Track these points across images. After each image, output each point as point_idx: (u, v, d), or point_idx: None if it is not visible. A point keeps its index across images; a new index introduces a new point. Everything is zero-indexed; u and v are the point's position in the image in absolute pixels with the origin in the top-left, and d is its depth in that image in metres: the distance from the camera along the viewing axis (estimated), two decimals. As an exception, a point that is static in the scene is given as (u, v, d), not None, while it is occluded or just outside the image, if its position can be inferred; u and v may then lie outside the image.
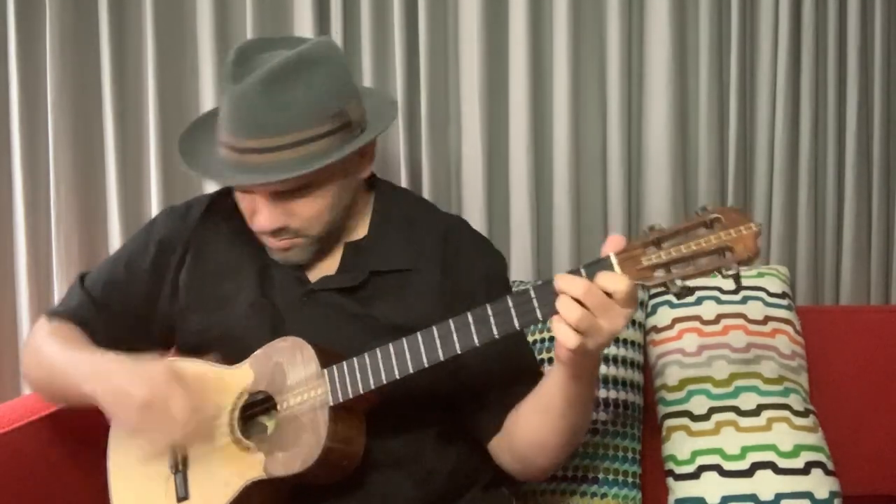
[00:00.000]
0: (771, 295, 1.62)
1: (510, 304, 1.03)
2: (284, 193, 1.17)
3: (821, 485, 1.44)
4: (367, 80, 1.74)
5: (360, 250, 1.27)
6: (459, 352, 1.06)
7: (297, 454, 1.11)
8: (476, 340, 1.05)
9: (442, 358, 1.07)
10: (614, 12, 1.73)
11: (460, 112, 1.79)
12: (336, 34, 1.74)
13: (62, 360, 1.23)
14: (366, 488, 1.19)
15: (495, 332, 1.04)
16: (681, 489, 1.48)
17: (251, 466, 1.14)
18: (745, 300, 1.60)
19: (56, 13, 1.72)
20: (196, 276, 1.29)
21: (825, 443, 1.50)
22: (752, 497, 1.43)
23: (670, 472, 1.50)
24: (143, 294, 1.31)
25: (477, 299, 1.08)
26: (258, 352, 1.18)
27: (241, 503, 1.15)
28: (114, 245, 1.78)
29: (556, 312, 0.97)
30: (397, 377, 1.09)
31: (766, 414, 1.49)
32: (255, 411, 1.21)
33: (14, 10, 1.73)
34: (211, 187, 1.75)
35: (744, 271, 1.65)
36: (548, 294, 0.99)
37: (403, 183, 1.76)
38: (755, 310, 1.59)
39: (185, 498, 1.18)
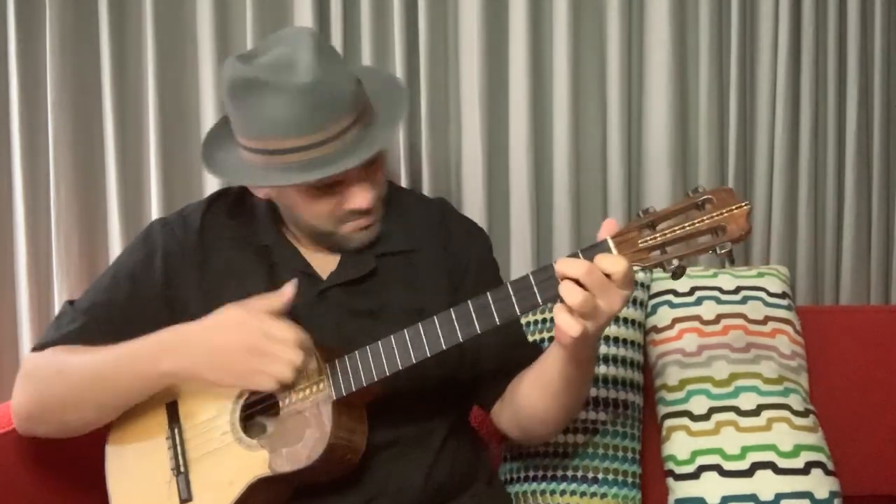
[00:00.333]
0: (771, 295, 1.62)
1: (510, 290, 1.04)
2: (370, 166, 1.19)
3: (821, 485, 1.44)
4: (368, 81, 1.74)
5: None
6: (462, 340, 1.07)
7: (301, 449, 1.11)
8: (478, 328, 1.06)
9: (444, 347, 1.08)
10: (614, 12, 1.74)
11: (460, 112, 1.79)
12: (336, 34, 1.74)
13: (109, 359, 1.16)
14: (370, 481, 1.20)
15: (496, 318, 1.05)
16: (681, 489, 1.48)
17: (255, 464, 1.14)
18: (745, 300, 1.60)
19: (56, 13, 1.72)
20: (204, 286, 1.27)
21: (825, 443, 1.50)
22: (752, 497, 1.43)
23: (670, 472, 1.50)
24: (151, 310, 1.25)
25: (474, 276, 1.09)
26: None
27: (247, 501, 1.15)
28: (114, 245, 1.78)
29: (556, 296, 0.99)
30: (400, 368, 1.10)
31: (766, 414, 1.49)
32: (255, 411, 1.21)
33: (14, 10, 1.73)
34: (211, 188, 1.75)
35: (744, 271, 1.67)
36: (546, 278, 1.02)
37: (403, 181, 1.76)
38: (755, 310, 1.59)
39: (189, 499, 1.18)
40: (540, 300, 1.03)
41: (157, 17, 1.74)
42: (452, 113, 1.80)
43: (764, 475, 1.44)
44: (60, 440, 1.30)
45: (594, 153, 1.80)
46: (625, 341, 1.57)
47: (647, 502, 1.56)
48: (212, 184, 1.76)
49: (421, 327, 1.09)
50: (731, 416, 1.50)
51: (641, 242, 0.98)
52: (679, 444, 1.50)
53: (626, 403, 1.55)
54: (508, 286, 1.05)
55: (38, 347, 1.25)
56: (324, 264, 1.28)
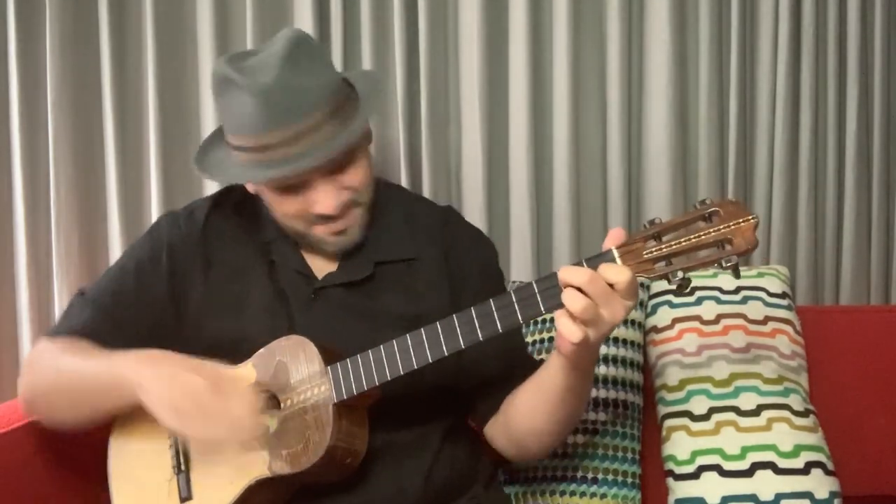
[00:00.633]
0: (771, 295, 1.62)
1: (513, 298, 1.04)
2: (335, 168, 1.18)
3: (821, 485, 1.44)
4: (367, 80, 1.74)
5: (363, 242, 1.28)
6: (463, 347, 1.07)
7: (301, 452, 1.11)
8: (480, 335, 1.06)
9: (446, 353, 1.08)
10: (614, 12, 1.73)
11: (460, 112, 1.79)
12: (336, 34, 1.74)
13: (92, 365, 1.18)
14: (369, 484, 1.20)
15: (499, 326, 1.05)
16: (681, 489, 1.48)
17: (255, 465, 1.14)
18: (745, 300, 1.60)
19: (56, 13, 1.72)
20: (208, 281, 1.28)
21: (825, 443, 1.50)
22: (752, 497, 1.43)
23: (670, 472, 1.50)
24: (156, 302, 1.27)
25: (477, 287, 1.09)
26: (261, 350, 1.18)
27: (246, 502, 1.15)
28: (114, 245, 1.78)
29: (559, 305, 0.99)
30: (402, 373, 1.10)
31: (766, 414, 1.49)
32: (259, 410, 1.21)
33: (14, 10, 1.73)
34: (211, 188, 1.75)
35: (744, 271, 1.67)
36: (550, 287, 1.01)
37: (403, 182, 1.76)
38: (755, 310, 1.59)
39: (189, 498, 1.18)
40: (543, 308, 1.02)
41: (157, 16, 1.74)
42: (452, 113, 1.79)
43: (764, 475, 1.44)
44: (62, 439, 1.31)
45: (594, 153, 1.80)
46: (625, 341, 1.57)
47: (647, 502, 1.56)
48: (212, 184, 1.76)
49: (423, 332, 1.09)
50: (731, 416, 1.50)
51: (646, 253, 0.97)
52: (679, 444, 1.50)
53: (626, 404, 1.55)
54: (512, 294, 1.04)
55: (50, 335, 1.28)
56: (323, 265, 1.28)
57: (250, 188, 1.27)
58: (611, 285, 0.97)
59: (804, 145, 1.79)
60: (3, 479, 1.27)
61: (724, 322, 1.58)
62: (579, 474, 1.51)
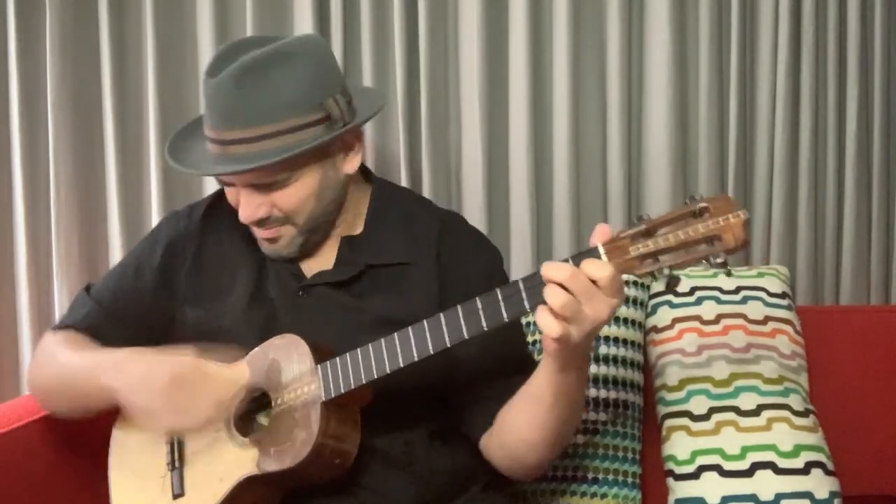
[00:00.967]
0: (771, 295, 1.62)
1: (499, 295, 1.03)
2: (263, 185, 1.18)
3: (821, 485, 1.44)
4: (367, 80, 1.74)
5: (357, 245, 1.28)
6: (449, 345, 1.06)
7: (288, 449, 1.11)
8: (465, 333, 1.05)
9: (432, 351, 1.07)
10: (614, 12, 1.73)
11: (460, 112, 1.79)
12: (336, 34, 1.74)
13: (79, 361, 1.23)
14: (362, 487, 1.20)
15: (484, 324, 1.04)
16: (681, 489, 1.48)
17: (244, 462, 1.14)
18: (745, 300, 1.60)
19: (56, 13, 1.72)
20: (196, 271, 1.31)
21: (825, 443, 1.50)
22: (752, 497, 1.43)
23: (670, 472, 1.50)
24: (153, 298, 1.31)
25: (472, 291, 1.08)
26: (255, 349, 1.19)
27: (235, 499, 1.15)
28: (114, 245, 1.78)
29: (544, 302, 0.97)
30: (388, 371, 1.10)
31: (766, 414, 1.49)
32: (253, 408, 1.21)
33: (14, 10, 1.73)
34: (211, 187, 1.75)
35: (744, 271, 1.67)
36: (535, 284, 1.00)
37: (403, 183, 1.76)
38: (755, 310, 1.59)
39: (181, 495, 1.19)
40: (528, 306, 1.01)
41: (157, 16, 1.74)
42: (452, 113, 1.79)
43: (764, 475, 1.44)
44: (62, 439, 1.32)
45: (594, 153, 1.79)
46: (625, 341, 1.57)
47: (647, 502, 1.56)
48: (212, 184, 1.76)
49: (410, 330, 1.09)
50: (731, 416, 1.50)
51: (633, 250, 0.95)
52: (679, 444, 1.50)
53: (626, 403, 1.55)
54: (497, 292, 1.03)
55: (56, 328, 1.33)
56: (317, 265, 1.28)
57: None
58: (593, 282, 0.96)
59: (804, 145, 1.79)
60: (3, 479, 1.27)
61: (724, 322, 1.58)
62: (579, 474, 1.51)
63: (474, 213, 1.77)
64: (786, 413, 1.49)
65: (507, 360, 1.24)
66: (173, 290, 1.31)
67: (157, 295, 1.31)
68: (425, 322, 1.08)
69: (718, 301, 1.60)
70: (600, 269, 0.95)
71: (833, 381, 1.62)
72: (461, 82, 1.78)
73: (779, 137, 1.78)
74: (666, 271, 0.94)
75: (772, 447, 1.46)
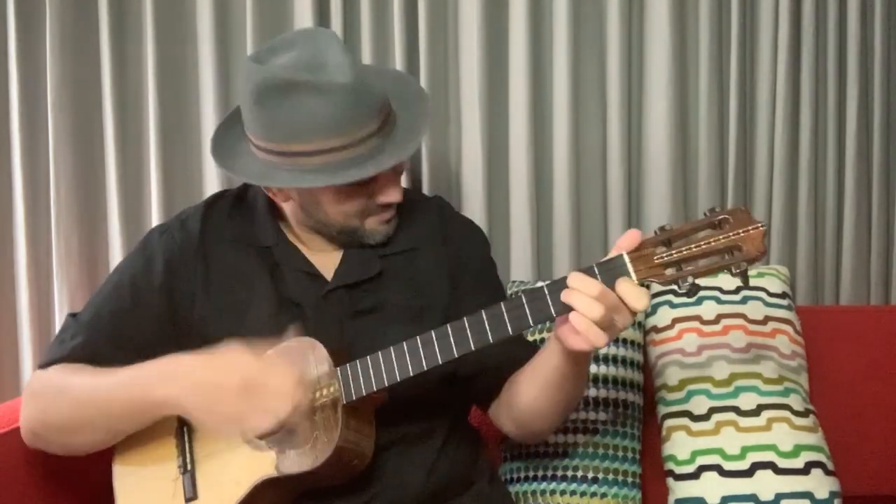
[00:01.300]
0: (771, 295, 1.62)
1: (524, 300, 1.04)
2: (399, 163, 1.23)
3: (821, 485, 1.44)
4: (367, 80, 1.74)
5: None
6: (474, 349, 1.08)
7: (309, 452, 1.11)
8: (490, 338, 1.06)
9: (456, 355, 1.08)
10: (614, 12, 1.74)
11: (460, 112, 1.79)
12: (336, 33, 1.73)
13: (108, 384, 1.14)
14: (373, 481, 1.20)
15: (510, 328, 1.05)
16: (681, 489, 1.48)
17: (262, 465, 1.14)
18: (745, 300, 1.60)
19: (56, 13, 1.72)
20: (210, 289, 1.26)
21: (825, 443, 1.50)
22: (752, 497, 1.43)
23: (670, 472, 1.50)
24: (156, 316, 1.25)
25: (474, 272, 1.11)
26: (269, 352, 1.18)
27: (252, 502, 1.15)
28: (114, 245, 1.78)
29: (569, 308, 1.00)
30: (411, 374, 1.11)
31: (766, 414, 1.49)
32: None
33: (14, 10, 1.73)
34: (211, 187, 1.75)
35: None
36: (560, 290, 1.02)
37: (403, 182, 1.75)
38: (755, 310, 1.59)
39: (194, 498, 1.18)
40: (554, 312, 1.03)
41: (157, 16, 1.74)
42: (452, 113, 1.79)
43: (764, 475, 1.44)
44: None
45: (594, 153, 1.79)
46: (625, 341, 1.57)
47: (647, 502, 1.56)
48: (212, 184, 1.77)
49: (433, 334, 1.09)
50: (731, 416, 1.50)
51: (657, 259, 0.99)
52: (679, 444, 1.50)
53: (626, 403, 1.55)
54: (522, 296, 1.05)
55: (44, 365, 1.24)
56: (326, 263, 1.28)
57: (282, 195, 1.25)
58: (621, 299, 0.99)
59: (804, 145, 1.79)
60: (3, 479, 1.27)
61: (724, 322, 1.58)
62: (579, 474, 1.51)
63: (474, 213, 1.77)
64: (786, 413, 1.49)
65: (509, 341, 1.26)
66: (182, 310, 1.25)
67: (163, 314, 1.25)
68: (449, 326, 1.08)
69: (718, 301, 1.60)
70: (637, 300, 0.99)
71: (833, 381, 1.62)
72: (461, 82, 1.78)
73: (779, 137, 1.78)
74: (690, 279, 0.98)
75: (772, 447, 1.46)
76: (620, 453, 1.53)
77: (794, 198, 1.81)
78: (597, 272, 1.00)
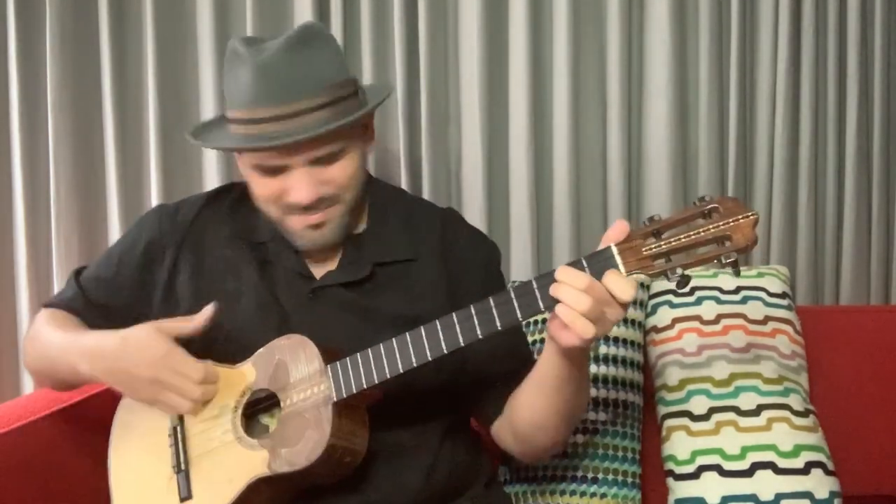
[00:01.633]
0: (771, 295, 1.62)
1: (512, 295, 1.03)
2: (318, 161, 1.18)
3: (821, 485, 1.44)
4: (367, 80, 1.74)
5: (362, 243, 1.28)
6: (463, 344, 1.07)
7: (301, 450, 1.11)
8: (479, 333, 1.05)
9: (445, 351, 1.08)
10: (614, 12, 1.74)
11: (460, 112, 1.79)
12: (336, 34, 1.74)
13: (58, 343, 1.26)
14: (370, 483, 1.20)
15: (498, 323, 1.04)
16: (681, 489, 1.48)
17: (255, 464, 1.14)
18: (745, 300, 1.60)
19: (56, 13, 1.72)
20: (195, 277, 1.28)
21: (825, 443, 1.50)
22: (752, 497, 1.43)
23: (670, 472, 1.50)
24: (131, 293, 1.31)
25: (476, 287, 1.09)
26: (261, 350, 1.18)
27: (246, 501, 1.15)
28: (114, 245, 1.79)
29: (558, 302, 0.99)
30: (401, 371, 1.10)
31: (766, 414, 1.49)
32: (258, 409, 1.21)
33: (14, 10, 1.73)
34: (211, 186, 1.75)
35: (744, 271, 1.67)
36: (549, 284, 1.00)
37: (403, 182, 1.77)
38: (755, 310, 1.59)
39: (189, 497, 1.18)
40: (542, 306, 1.02)
41: (157, 16, 1.74)
42: (452, 113, 1.80)
43: (764, 475, 1.44)
44: (65, 438, 1.32)
45: (594, 153, 1.80)
46: (625, 341, 1.57)
47: (647, 502, 1.56)
48: (212, 184, 1.77)
49: (423, 330, 1.09)
50: (731, 416, 1.50)
51: (646, 250, 0.97)
52: (679, 444, 1.50)
53: (626, 403, 1.55)
54: (511, 291, 1.04)
55: (45, 304, 1.37)
56: (322, 265, 1.28)
57: (241, 170, 1.27)
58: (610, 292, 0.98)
59: (804, 145, 1.79)
60: (3, 479, 1.27)
61: (724, 322, 1.58)
62: (579, 474, 1.51)
63: (474, 213, 1.77)
64: (786, 413, 1.49)
65: (513, 353, 1.27)
66: (161, 294, 1.29)
67: (137, 293, 1.31)
68: (438, 322, 1.08)
69: (718, 301, 1.60)
70: (623, 291, 0.97)
71: (833, 381, 1.62)
72: (461, 82, 1.78)
73: (779, 137, 1.78)
74: (679, 271, 0.95)
75: (772, 447, 1.46)
76: (620, 453, 1.53)
77: (794, 198, 1.81)
78: (585, 265, 0.99)
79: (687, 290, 1.62)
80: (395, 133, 1.77)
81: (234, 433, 1.17)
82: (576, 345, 1.01)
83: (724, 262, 0.93)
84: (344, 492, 1.18)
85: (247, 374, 1.19)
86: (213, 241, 1.30)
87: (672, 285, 1.58)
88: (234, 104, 1.19)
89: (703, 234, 0.94)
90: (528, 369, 1.21)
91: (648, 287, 1.65)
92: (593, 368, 1.54)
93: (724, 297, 1.61)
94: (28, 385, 1.80)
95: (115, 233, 1.78)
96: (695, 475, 1.47)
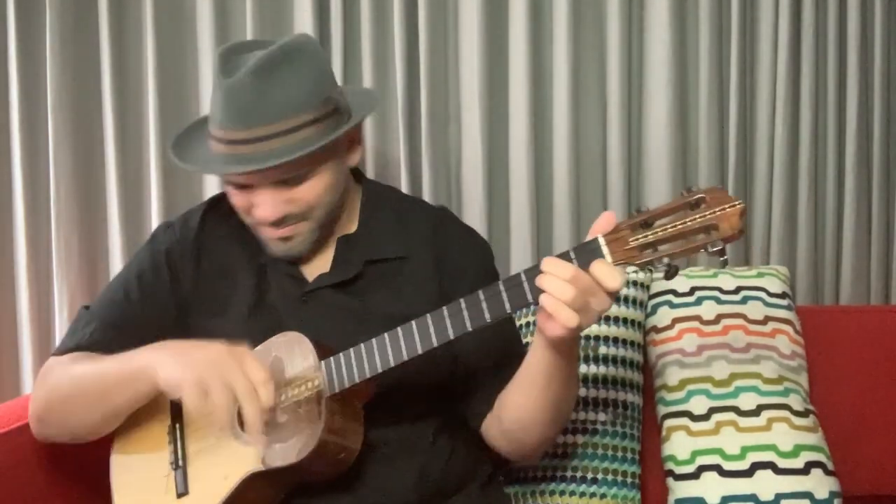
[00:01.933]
0: (771, 295, 1.62)
1: (501, 288, 1.04)
2: (285, 182, 1.18)
3: (821, 485, 1.44)
4: (367, 80, 1.74)
5: (353, 243, 1.29)
6: (452, 337, 1.07)
7: (294, 445, 1.12)
8: (468, 325, 1.06)
9: (436, 343, 1.08)
10: (614, 12, 1.74)
11: (460, 112, 1.79)
12: (336, 34, 1.74)
13: (102, 364, 1.19)
14: (364, 480, 1.20)
15: (487, 316, 1.05)
16: (681, 489, 1.48)
17: (250, 459, 1.14)
18: (745, 300, 1.60)
19: (56, 13, 1.72)
20: (197, 280, 1.30)
21: (825, 443, 1.50)
22: (752, 497, 1.43)
23: (670, 472, 1.50)
24: (161, 307, 1.28)
25: (468, 286, 1.09)
26: (258, 347, 1.19)
27: (240, 496, 1.15)
28: (114, 245, 1.78)
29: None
30: (392, 364, 1.11)
31: (766, 414, 1.49)
32: None
33: (14, 10, 1.73)
34: (211, 188, 1.75)
35: (744, 271, 1.67)
36: (537, 275, 1.01)
37: (403, 183, 1.76)
38: (755, 310, 1.59)
39: (185, 493, 1.19)
40: (530, 298, 1.03)
41: (157, 16, 1.74)
42: (452, 113, 1.79)
43: (764, 475, 1.44)
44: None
45: (594, 153, 1.80)
46: (625, 341, 1.57)
47: (646, 502, 1.56)
48: (211, 184, 1.77)
49: (413, 324, 1.10)
50: (731, 416, 1.50)
51: (633, 240, 0.97)
52: (679, 444, 1.50)
53: (625, 404, 1.55)
54: (500, 284, 1.05)
55: (58, 353, 1.28)
56: (315, 267, 1.29)
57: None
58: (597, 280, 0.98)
59: (804, 145, 1.79)
60: (3, 479, 1.27)
61: (724, 322, 1.58)
62: (579, 474, 1.51)
63: (474, 213, 1.77)
64: (786, 413, 1.49)
65: (504, 352, 1.27)
66: (178, 300, 1.29)
67: (167, 306, 1.29)
68: (428, 316, 1.09)
69: (718, 301, 1.60)
70: (611, 279, 0.97)
71: (833, 381, 1.62)
72: (461, 82, 1.78)
73: (779, 137, 1.78)
74: (665, 261, 0.96)
75: (772, 447, 1.46)
76: (620, 453, 1.53)
77: (794, 198, 1.81)
78: (572, 256, 1.00)
79: (687, 289, 1.62)
80: (394, 133, 1.77)
81: (231, 429, 1.18)
82: (560, 335, 1.01)
83: (710, 250, 0.94)
84: (338, 489, 1.19)
85: None
86: (214, 246, 1.32)
87: (670, 282, 1.60)
88: (211, 120, 1.21)
89: (689, 223, 0.95)
90: (516, 368, 1.20)
91: (648, 287, 1.65)
92: (593, 368, 1.54)
93: (724, 298, 1.61)
94: (28, 385, 1.80)
95: (115, 233, 1.78)
96: (695, 475, 1.47)
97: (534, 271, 1.02)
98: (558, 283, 0.98)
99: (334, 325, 1.24)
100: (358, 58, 1.76)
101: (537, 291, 1.01)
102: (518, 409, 1.20)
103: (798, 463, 1.45)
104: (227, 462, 1.17)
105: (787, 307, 1.62)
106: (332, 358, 1.14)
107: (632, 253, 0.97)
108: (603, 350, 1.55)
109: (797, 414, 1.50)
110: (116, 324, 1.27)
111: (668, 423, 1.53)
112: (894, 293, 1.86)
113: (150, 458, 1.23)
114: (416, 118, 1.76)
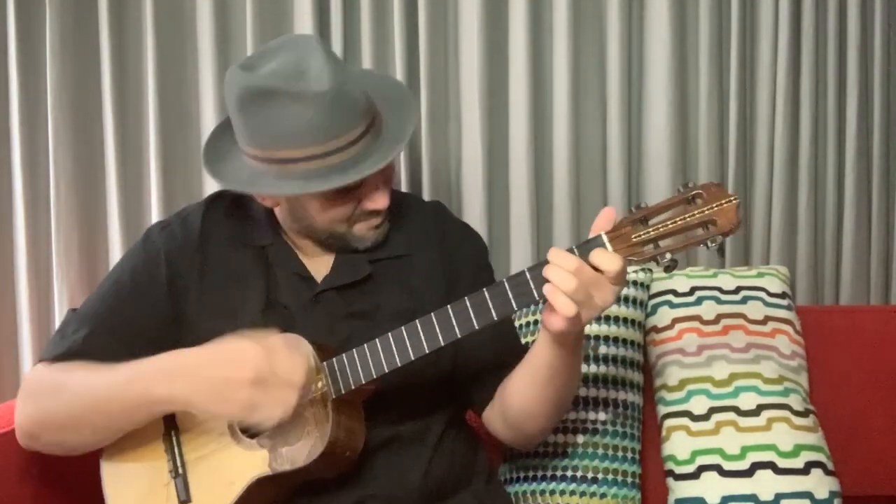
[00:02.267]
0: (771, 295, 1.62)
1: (506, 286, 1.05)
2: (387, 169, 1.22)
3: (821, 485, 1.44)
4: (367, 80, 1.74)
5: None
6: (459, 336, 1.08)
7: (301, 448, 1.12)
8: (476, 324, 1.07)
9: (442, 343, 1.09)
10: (614, 12, 1.74)
11: (460, 112, 1.79)
12: (336, 35, 1.74)
13: (107, 383, 1.13)
14: (368, 478, 1.21)
15: (494, 314, 1.06)
16: (681, 489, 1.48)
17: (255, 463, 1.14)
18: (745, 300, 1.60)
19: (56, 13, 1.72)
20: (205, 284, 1.27)
21: (825, 443, 1.50)
22: (752, 497, 1.43)
23: (670, 472, 1.50)
24: (157, 310, 1.24)
25: (469, 276, 1.10)
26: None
27: (247, 501, 1.15)
28: (114, 245, 1.78)
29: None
30: (398, 365, 1.11)
31: (766, 414, 1.49)
32: None
33: (14, 10, 1.73)
34: (211, 188, 1.75)
35: (744, 271, 1.67)
36: (542, 273, 1.02)
37: (403, 182, 1.77)
38: (755, 310, 1.59)
39: (188, 501, 1.18)
40: (536, 295, 1.04)
41: (158, 17, 1.74)
42: (452, 113, 1.80)
43: (764, 475, 1.44)
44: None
45: (594, 153, 1.80)
46: (625, 341, 1.57)
47: (647, 502, 1.56)
48: (211, 184, 1.76)
49: (418, 324, 1.10)
50: (731, 416, 1.50)
51: (635, 237, 1.00)
52: (679, 444, 1.50)
53: (625, 403, 1.55)
54: (505, 282, 1.05)
55: (45, 359, 1.22)
56: (319, 266, 1.28)
57: (269, 201, 1.25)
58: (599, 271, 1.00)
59: (804, 145, 1.79)
60: (3, 479, 1.27)
61: (724, 322, 1.58)
62: (579, 474, 1.51)
63: (474, 213, 1.77)
64: (786, 413, 1.49)
65: (505, 340, 1.30)
66: (182, 304, 1.25)
67: (164, 308, 1.24)
68: (433, 315, 1.09)
69: (718, 301, 1.60)
70: (610, 262, 0.99)
71: (833, 381, 1.61)
72: (461, 82, 1.78)
73: (779, 137, 1.78)
74: (668, 256, 0.99)
75: (772, 447, 1.46)
76: (620, 453, 1.53)
77: (794, 198, 1.81)
78: (576, 253, 1.01)
79: (687, 289, 1.62)
80: (395, 133, 1.77)
81: (232, 434, 1.17)
82: (562, 328, 1.02)
83: (709, 245, 0.97)
84: (343, 486, 1.19)
85: None
86: (217, 247, 1.29)
87: (670, 282, 1.60)
88: (286, 142, 1.14)
89: (688, 219, 0.98)
90: (519, 358, 1.22)
91: (648, 287, 1.65)
92: (593, 368, 1.54)
93: (724, 297, 1.61)
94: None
95: (115, 233, 1.78)
96: (695, 475, 1.47)
97: (538, 268, 1.03)
98: (562, 273, 0.99)
99: (345, 324, 1.24)
100: (358, 58, 1.76)
101: (542, 288, 1.02)
102: (522, 401, 1.22)
103: (798, 463, 1.45)
104: (231, 468, 1.16)
105: (787, 307, 1.62)
106: (334, 359, 1.14)
107: (634, 249, 1.00)
108: (603, 349, 1.55)
109: (797, 414, 1.50)
110: (108, 327, 1.22)
111: (668, 422, 1.53)
112: (894, 293, 1.86)
113: (147, 467, 1.22)
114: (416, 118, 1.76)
